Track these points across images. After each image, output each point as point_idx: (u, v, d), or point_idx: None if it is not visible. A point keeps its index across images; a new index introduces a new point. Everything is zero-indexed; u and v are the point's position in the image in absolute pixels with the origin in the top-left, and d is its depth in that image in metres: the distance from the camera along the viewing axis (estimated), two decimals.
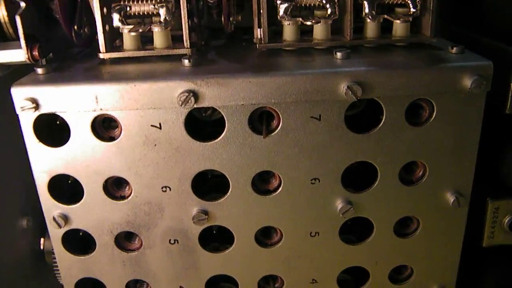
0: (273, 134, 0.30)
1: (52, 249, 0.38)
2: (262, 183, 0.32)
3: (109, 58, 0.31)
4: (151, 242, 0.33)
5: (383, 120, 0.30)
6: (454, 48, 0.31)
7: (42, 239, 0.40)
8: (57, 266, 0.39)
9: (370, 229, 0.34)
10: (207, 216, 0.32)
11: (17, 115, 0.30)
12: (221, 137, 0.30)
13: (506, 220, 0.36)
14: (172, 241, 0.33)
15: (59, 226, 0.33)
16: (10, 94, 0.29)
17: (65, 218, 0.33)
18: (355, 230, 0.35)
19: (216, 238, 0.35)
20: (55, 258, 0.39)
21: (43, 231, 0.40)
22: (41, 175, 0.32)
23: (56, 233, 0.33)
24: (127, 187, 0.32)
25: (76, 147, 0.31)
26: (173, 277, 0.35)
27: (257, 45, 0.32)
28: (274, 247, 0.34)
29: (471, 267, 0.38)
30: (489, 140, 0.34)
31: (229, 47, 0.37)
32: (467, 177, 0.32)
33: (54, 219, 0.33)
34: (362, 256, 0.34)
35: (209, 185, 0.34)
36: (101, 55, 0.31)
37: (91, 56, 0.34)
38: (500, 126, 0.35)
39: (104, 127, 0.31)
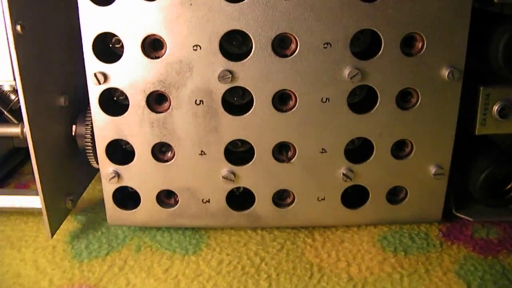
0: None
1: (84, 133, 0.43)
2: (281, 48, 0.37)
3: None
4: (179, 102, 0.37)
5: None
6: None
7: (74, 126, 0.44)
8: (89, 149, 0.43)
9: (375, 102, 0.38)
10: (231, 75, 0.36)
11: None
12: None
13: (496, 107, 0.40)
14: (198, 102, 0.37)
15: (99, 82, 0.37)
16: None
17: (104, 76, 0.37)
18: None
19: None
20: (87, 141, 0.43)
21: (75, 119, 0.44)
22: (88, 33, 0.36)
23: (95, 91, 0.37)
24: (162, 50, 0.37)
25: (121, 7, 0.35)
26: (196, 140, 0.38)
27: None
28: (289, 113, 0.38)
29: (465, 156, 0.42)
30: (481, 33, 0.39)
31: None
32: (460, 52, 0.37)
33: (95, 75, 0.37)
34: (367, 126, 0.38)
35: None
36: None
37: None
38: (491, 16, 0.40)
39: None
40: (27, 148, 0.39)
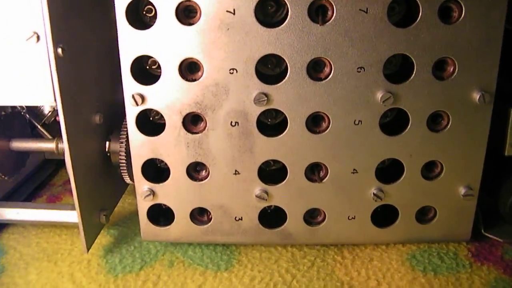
0: (327, 23, 0.36)
1: (119, 150, 0.44)
2: (315, 72, 0.37)
3: None
4: (215, 123, 0.38)
5: (419, 17, 0.35)
6: None
7: (107, 142, 0.45)
8: (123, 165, 0.44)
9: (406, 123, 0.39)
10: (266, 98, 0.37)
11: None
12: (284, 23, 0.36)
13: None
14: (233, 123, 0.38)
15: (136, 104, 0.38)
16: None
17: (142, 97, 0.38)
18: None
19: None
20: (121, 157, 0.44)
21: (109, 136, 0.45)
22: (127, 56, 0.37)
23: (132, 112, 0.38)
24: (199, 72, 0.38)
25: (160, 30, 0.36)
26: (230, 160, 0.39)
27: None
28: (322, 134, 0.38)
29: (494, 176, 0.42)
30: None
31: None
32: (491, 76, 0.37)
33: (132, 96, 0.38)
34: (398, 148, 0.39)
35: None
36: None
37: None
38: None
39: (185, 15, 0.37)
40: (58, 160, 0.40)
